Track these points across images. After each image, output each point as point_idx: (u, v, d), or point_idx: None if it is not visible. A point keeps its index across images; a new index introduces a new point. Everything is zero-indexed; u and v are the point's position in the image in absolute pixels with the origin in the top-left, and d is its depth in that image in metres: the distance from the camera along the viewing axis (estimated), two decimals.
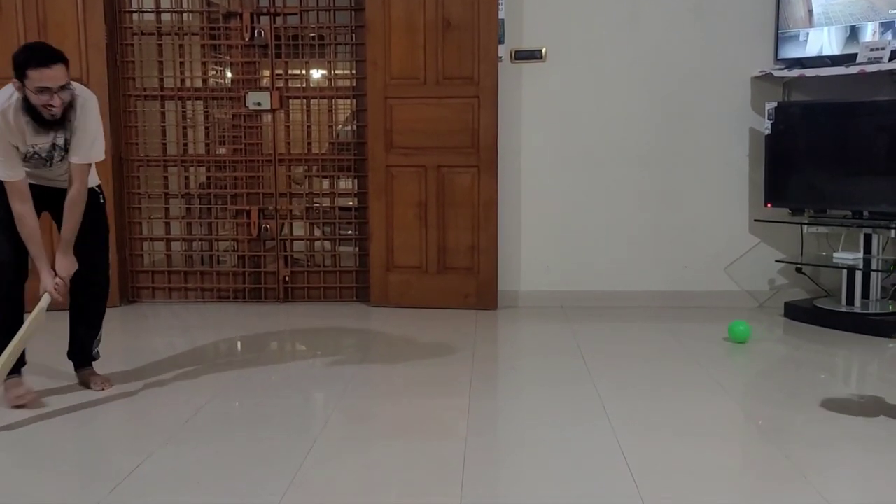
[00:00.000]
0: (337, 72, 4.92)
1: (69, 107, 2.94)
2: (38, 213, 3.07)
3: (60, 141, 3.02)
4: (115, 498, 2.30)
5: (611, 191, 4.74)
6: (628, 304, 4.72)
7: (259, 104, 4.80)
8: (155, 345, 4.08)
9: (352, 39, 4.83)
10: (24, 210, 2.97)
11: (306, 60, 4.90)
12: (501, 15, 4.54)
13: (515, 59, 4.65)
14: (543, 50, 4.65)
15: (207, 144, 5.04)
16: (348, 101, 4.95)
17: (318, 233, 5.12)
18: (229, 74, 5.01)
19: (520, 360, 3.91)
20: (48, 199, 3.13)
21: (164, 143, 4.96)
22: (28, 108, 2.89)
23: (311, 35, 4.86)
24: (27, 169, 3.02)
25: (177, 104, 4.94)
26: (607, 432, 2.78)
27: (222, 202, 4.99)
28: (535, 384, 3.41)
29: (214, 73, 5.09)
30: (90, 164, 3.11)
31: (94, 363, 3.39)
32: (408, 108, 4.60)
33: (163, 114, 4.94)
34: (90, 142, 3.05)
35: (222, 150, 5.00)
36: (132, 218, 4.93)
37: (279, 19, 4.82)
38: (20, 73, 2.84)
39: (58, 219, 3.14)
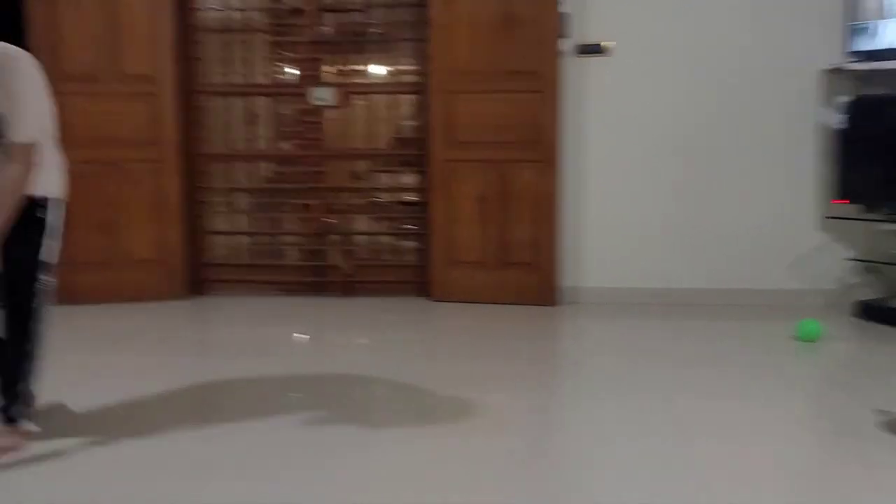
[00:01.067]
0: (399, 67, 4.94)
1: None
2: None
3: None
4: (189, 482, 2.35)
5: (676, 186, 4.68)
6: (692, 302, 4.65)
7: (323, 100, 4.85)
8: (221, 336, 4.16)
9: (415, 35, 4.85)
10: None
11: (369, 56, 4.94)
12: (565, 9, 4.51)
13: (579, 53, 4.62)
14: (607, 44, 4.61)
15: (273, 140, 5.11)
16: (410, 97, 4.97)
17: (379, 228, 5.16)
18: (294, 70, 5.07)
19: (581, 357, 3.88)
20: None
21: (231, 139, 5.05)
22: None
23: (375, 31, 4.89)
24: None
25: (243, 100, 5.02)
26: (673, 431, 2.75)
27: (286, 197, 5.06)
28: (597, 381, 3.38)
29: (279, 69, 5.15)
30: (31, 146, 2.43)
31: (12, 423, 2.56)
32: (470, 102, 4.60)
33: (229, 110, 5.02)
34: (22, 111, 2.40)
35: (286, 146, 5.07)
36: (199, 212, 5.02)
37: (344, 15, 4.86)
38: None
39: None
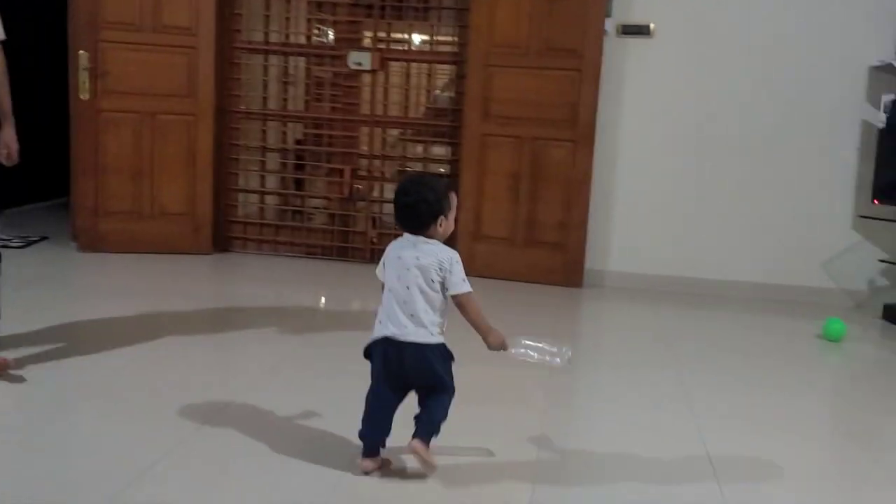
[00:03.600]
0: (439, 37, 4.89)
1: None
2: None
3: None
4: (201, 437, 2.37)
5: (710, 175, 4.60)
6: (719, 293, 4.60)
7: (360, 64, 4.82)
8: (243, 293, 4.18)
9: (457, 4, 4.79)
10: None
11: (410, 23, 4.90)
12: None
13: (622, 33, 4.54)
14: (651, 26, 4.52)
15: (307, 101, 5.09)
16: (448, 67, 4.93)
17: None
18: (332, 33, 5.04)
19: (603, 340, 3.86)
20: None
21: (265, 97, 5.04)
22: None
23: None
24: None
25: (280, 59, 5.01)
26: (688, 420, 2.73)
27: (317, 159, 5.05)
28: (617, 364, 3.36)
29: (318, 31, 5.13)
30: None
31: None
32: (508, 77, 4.55)
33: (266, 68, 5.01)
34: None
35: (320, 108, 5.05)
36: (229, 168, 5.03)
37: None
38: None
39: None
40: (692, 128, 4.59)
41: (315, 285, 4.46)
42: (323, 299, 4.21)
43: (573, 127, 4.51)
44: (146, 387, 2.75)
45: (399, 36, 4.97)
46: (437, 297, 2.13)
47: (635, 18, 4.53)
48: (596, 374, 3.28)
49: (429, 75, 4.97)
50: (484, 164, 4.64)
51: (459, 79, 4.81)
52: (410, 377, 2.15)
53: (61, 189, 5.34)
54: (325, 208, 5.09)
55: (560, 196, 4.57)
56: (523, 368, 3.14)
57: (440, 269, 2.11)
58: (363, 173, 4.99)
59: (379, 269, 2.22)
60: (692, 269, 4.65)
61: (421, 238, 2.15)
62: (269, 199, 5.14)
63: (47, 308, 3.48)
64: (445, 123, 4.90)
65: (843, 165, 4.50)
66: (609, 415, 2.78)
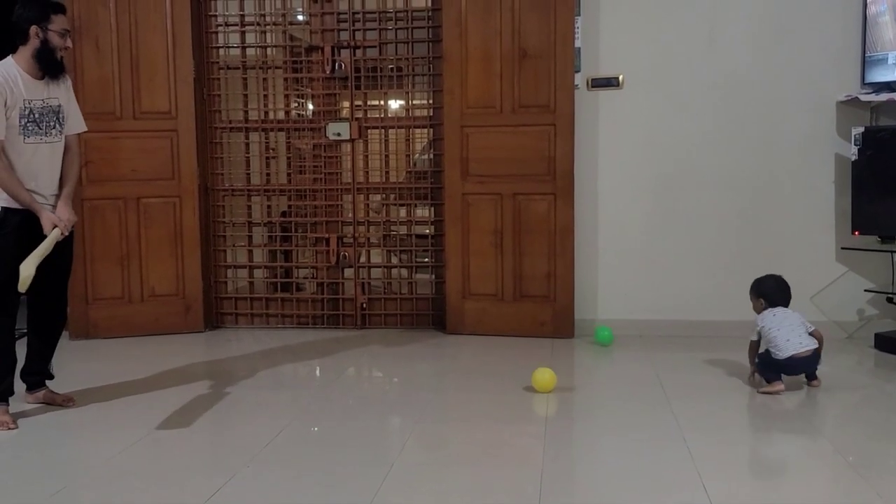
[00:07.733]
0: (414, 102, 5.00)
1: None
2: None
3: (55, 103, 3.28)
4: None
5: (691, 218, 4.66)
6: (710, 334, 4.61)
7: (338, 134, 4.90)
8: (238, 368, 4.18)
9: (429, 70, 4.90)
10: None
11: (384, 91, 5.00)
12: (577, 43, 4.55)
13: (592, 86, 4.64)
14: (620, 77, 4.63)
15: (289, 174, 5.16)
16: (425, 131, 5.01)
17: (395, 260, 5.18)
18: (310, 106, 5.14)
19: (597, 390, 3.86)
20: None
21: (248, 174, 5.11)
22: (41, 53, 3.19)
23: (390, 66, 4.95)
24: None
25: (260, 135, 5.09)
26: (688, 465, 2.72)
27: (303, 230, 5.10)
28: (613, 414, 3.36)
29: (296, 104, 5.23)
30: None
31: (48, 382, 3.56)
32: (484, 136, 4.64)
33: (247, 145, 5.09)
34: (77, 110, 3.48)
35: (303, 180, 5.11)
36: (217, 246, 5.07)
37: (359, 52, 4.93)
38: (44, 16, 3.19)
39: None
40: (668, 172, 4.66)
41: (308, 355, 4.45)
42: (317, 370, 4.21)
43: (552, 180, 4.58)
44: (145, 470, 2.74)
45: (375, 103, 5.06)
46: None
47: (604, 71, 4.64)
48: (592, 426, 3.27)
49: (407, 140, 5.05)
50: (467, 223, 4.69)
51: (437, 141, 4.89)
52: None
53: None
54: (313, 277, 5.11)
55: (544, 249, 4.61)
56: (519, 426, 3.16)
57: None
58: (349, 240, 5.04)
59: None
60: (680, 311, 4.66)
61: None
62: (258, 273, 5.17)
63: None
64: (427, 185, 4.97)
65: (822, 199, 4.56)
66: (608, 469, 2.77)
